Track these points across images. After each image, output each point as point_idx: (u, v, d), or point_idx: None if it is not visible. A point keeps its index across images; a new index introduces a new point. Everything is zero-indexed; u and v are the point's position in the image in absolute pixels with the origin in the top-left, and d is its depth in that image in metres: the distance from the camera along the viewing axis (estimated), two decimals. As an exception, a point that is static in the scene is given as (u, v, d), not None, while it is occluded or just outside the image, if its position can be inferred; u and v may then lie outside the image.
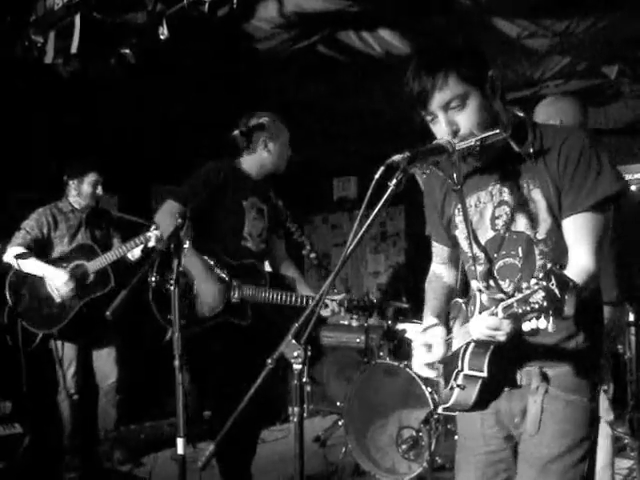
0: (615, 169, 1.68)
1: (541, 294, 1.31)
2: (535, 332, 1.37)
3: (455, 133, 1.69)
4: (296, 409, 1.52)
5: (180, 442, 2.25)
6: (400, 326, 4.78)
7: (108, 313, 2.35)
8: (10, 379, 4.07)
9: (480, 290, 1.64)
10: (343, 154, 6.27)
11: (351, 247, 1.52)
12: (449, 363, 1.78)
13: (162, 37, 3.13)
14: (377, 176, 1.50)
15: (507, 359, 1.69)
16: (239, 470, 3.37)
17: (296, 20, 3.31)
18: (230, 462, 3.29)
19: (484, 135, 1.67)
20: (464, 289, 1.98)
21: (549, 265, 1.35)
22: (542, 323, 1.33)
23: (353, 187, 7.09)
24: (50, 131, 4.82)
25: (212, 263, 3.29)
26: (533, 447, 1.73)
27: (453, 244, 1.97)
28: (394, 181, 1.51)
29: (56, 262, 4.08)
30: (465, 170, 1.81)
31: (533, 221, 1.71)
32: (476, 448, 1.89)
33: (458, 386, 1.68)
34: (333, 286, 1.67)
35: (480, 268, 1.81)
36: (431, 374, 1.86)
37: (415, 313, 5.35)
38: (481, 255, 1.81)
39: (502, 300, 1.44)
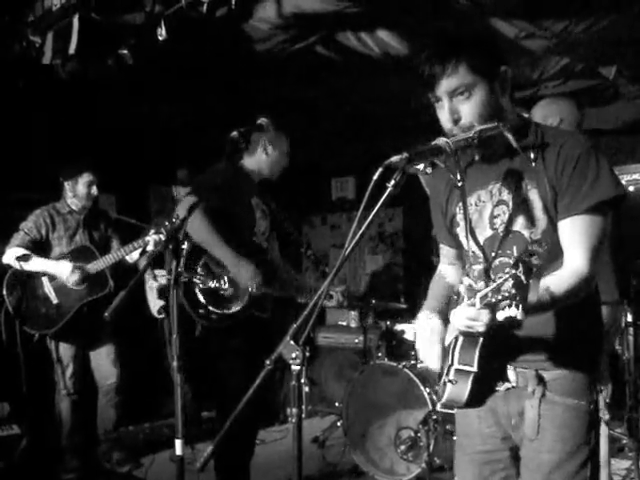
0: (614, 174, 1.67)
1: (510, 282, 1.34)
2: (510, 321, 1.37)
3: (456, 122, 1.71)
4: (294, 410, 1.52)
5: (178, 443, 2.25)
6: (398, 327, 4.78)
7: (106, 314, 2.35)
8: (7, 380, 4.06)
9: (461, 281, 1.62)
10: (341, 154, 6.28)
11: (350, 247, 1.52)
12: (444, 358, 1.78)
13: (160, 38, 3.13)
14: (375, 177, 1.50)
15: (497, 353, 1.69)
16: (237, 471, 3.37)
17: (294, 21, 3.31)
18: (228, 463, 3.30)
19: (482, 127, 1.68)
20: None
21: (521, 254, 1.40)
22: (512, 311, 1.34)
23: (351, 187, 7.09)
24: (49, 131, 4.81)
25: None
26: (533, 453, 1.73)
27: (457, 245, 1.98)
28: (392, 182, 1.51)
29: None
30: (467, 168, 1.83)
31: (529, 221, 1.72)
32: (473, 446, 1.89)
33: (450, 381, 1.69)
34: (333, 284, 1.68)
35: (477, 267, 1.82)
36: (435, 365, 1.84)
37: (413, 314, 5.36)
38: (479, 253, 1.81)
39: (479, 291, 1.45)
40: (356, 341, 5.54)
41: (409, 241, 6.77)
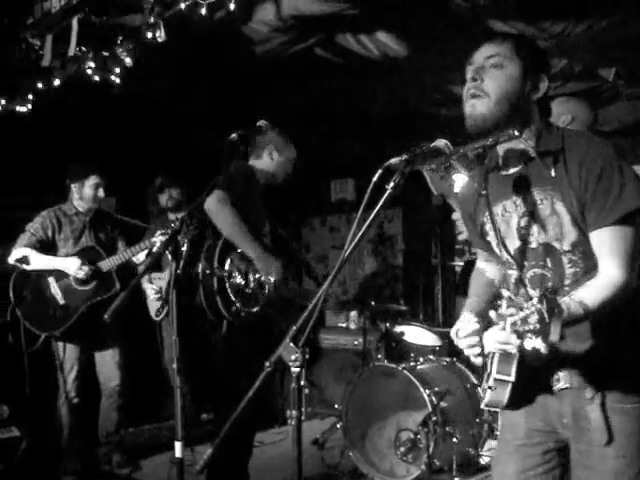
0: (639, 182, 1.65)
1: (536, 316, 1.37)
2: (536, 351, 1.41)
3: (475, 80, 1.71)
4: (294, 412, 1.52)
5: (178, 445, 2.25)
6: (398, 328, 4.78)
7: (106, 316, 2.34)
8: (8, 382, 4.06)
9: (502, 298, 1.64)
10: (341, 156, 6.28)
11: (349, 249, 1.52)
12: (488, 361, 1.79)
13: (159, 40, 3.13)
14: (375, 179, 1.50)
15: (537, 367, 1.69)
16: (235, 473, 3.37)
17: (294, 23, 3.32)
18: (227, 464, 3.29)
19: (496, 137, 1.69)
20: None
21: (563, 311, 1.42)
22: (538, 343, 1.38)
23: (351, 189, 7.09)
24: (50, 135, 4.81)
25: None
26: (598, 457, 1.73)
27: (490, 250, 1.98)
28: (392, 184, 1.52)
29: None
30: (492, 177, 1.83)
31: (558, 233, 1.71)
32: (516, 440, 1.89)
33: (489, 387, 1.71)
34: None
35: (513, 273, 1.83)
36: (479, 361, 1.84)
37: (412, 315, 5.37)
38: (512, 262, 1.82)
39: (511, 315, 1.46)
40: (356, 343, 5.54)
41: (408, 242, 6.77)
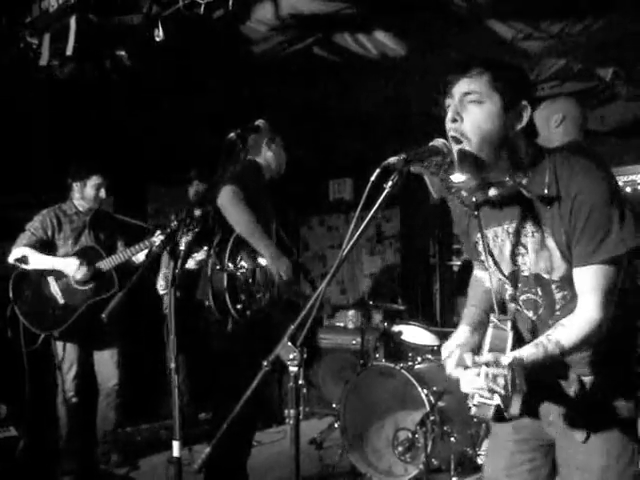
0: (628, 226, 1.64)
1: (502, 381, 1.50)
2: (501, 408, 1.56)
3: (455, 120, 1.68)
4: (292, 411, 1.51)
5: (176, 445, 2.24)
6: (396, 328, 4.78)
7: (104, 315, 2.34)
8: (6, 382, 4.05)
9: (493, 326, 1.77)
10: (339, 156, 6.28)
11: (347, 249, 1.52)
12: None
13: (157, 39, 3.13)
14: (373, 178, 1.50)
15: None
16: (234, 471, 3.36)
17: (292, 22, 3.31)
18: (225, 464, 3.29)
19: (495, 181, 1.70)
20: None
21: (515, 356, 1.60)
22: (502, 405, 1.53)
23: (349, 189, 7.09)
24: (49, 133, 4.81)
25: None
26: (583, 455, 1.77)
27: (485, 266, 2.00)
28: (390, 183, 1.52)
29: None
30: (482, 200, 1.81)
31: (549, 267, 1.74)
32: (506, 435, 1.94)
33: (474, 405, 1.72)
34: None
35: (510, 291, 1.87)
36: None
37: (411, 315, 5.37)
38: (505, 280, 1.86)
39: (487, 364, 1.55)
40: (354, 342, 5.54)
41: (407, 242, 6.77)
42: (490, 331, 1.76)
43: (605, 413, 1.76)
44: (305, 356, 1.49)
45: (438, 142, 1.68)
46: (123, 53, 3.40)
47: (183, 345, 2.22)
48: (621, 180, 5.19)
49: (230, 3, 2.93)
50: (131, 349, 4.46)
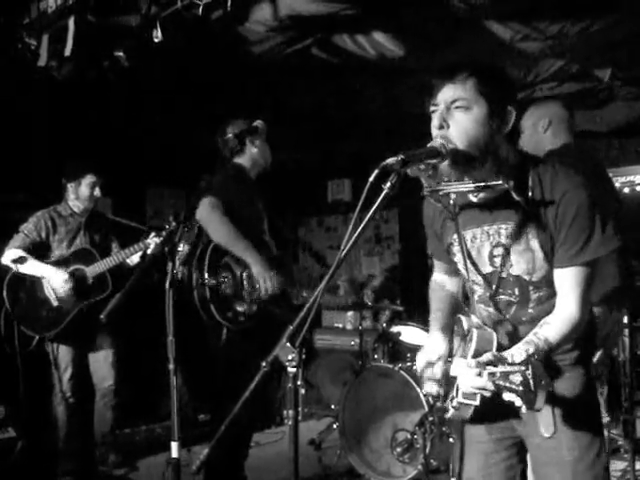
0: (608, 230, 1.71)
1: (519, 378, 1.47)
2: (512, 404, 1.49)
3: (441, 127, 1.69)
4: (291, 412, 1.52)
5: (174, 446, 2.24)
6: (394, 329, 4.78)
7: (102, 316, 2.34)
8: (3, 383, 4.04)
9: (477, 327, 1.79)
10: (337, 157, 6.28)
11: (345, 250, 1.52)
12: (448, 381, 1.86)
13: (156, 40, 3.13)
14: (371, 179, 1.50)
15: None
16: (232, 472, 3.36)
17: (290, 23, 3.31)
18: (223, 465, 3.29)
19: (485, 184, 1.70)
20: (466, 298, 2.02)
21: (531, 350, 1.58)
22: (517, 402, 1.47)
23: (347, 190, 7.10)
24: (49, 134, 4.80)
25: None
26: (553, 450, 1.80)
27: (455, 268, 2.02)
28: (388, 184, 1.52)
29: (55, 266, 4.06)
30: (461, 202, 1.84)
31: (530, 268, 1.77)
32: (480, 436, 1.96)
33: (453, 407, 1.76)
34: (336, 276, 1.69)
35: (480, 292, 1.89)
36: (435, 391, 1.94)
37: (409, 315, 5.36)
38: (481, 282, 1.87)
39: (489, 363, 1.54)
40: (352, 343, 5.54)
41: (405, 243, 6.78)
42: (475, 332, 1.78)
43: (572, 407, 1.79)
44: (303, 356, 1.49)
45: (436, 143, 1.68)
46: (121, 54, 3.39)
47: (182, 346, 2.22)
48: (619, 181, 5.19)
49: (229, 4, 2.93)
50: (130, 349, 4.46)
